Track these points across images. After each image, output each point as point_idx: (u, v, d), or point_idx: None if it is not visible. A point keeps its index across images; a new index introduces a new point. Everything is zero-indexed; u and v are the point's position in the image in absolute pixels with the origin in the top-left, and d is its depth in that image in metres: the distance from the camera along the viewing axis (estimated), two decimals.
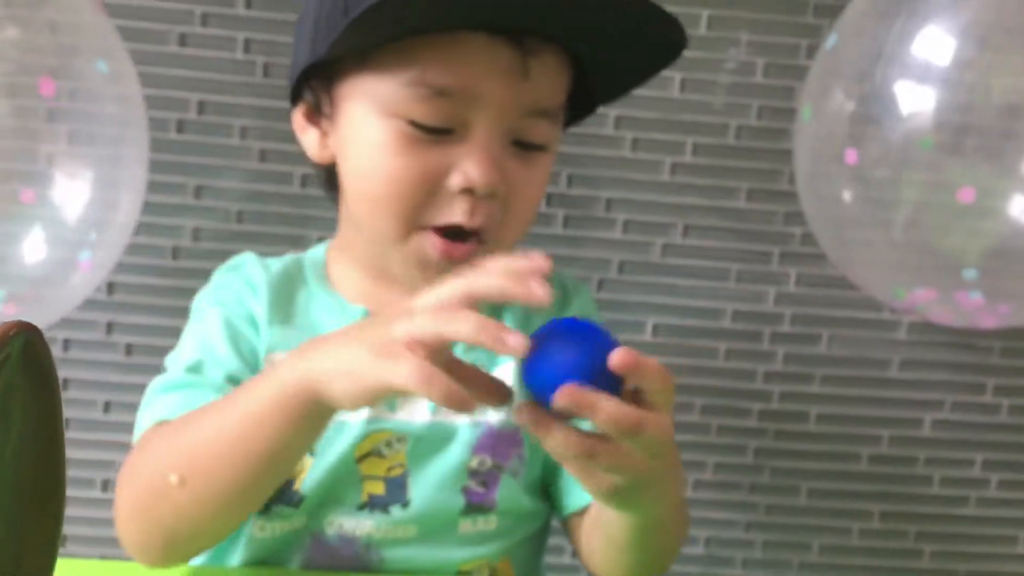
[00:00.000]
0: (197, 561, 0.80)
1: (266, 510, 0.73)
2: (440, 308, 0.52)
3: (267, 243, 1.19)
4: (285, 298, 0.78)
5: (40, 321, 1.01)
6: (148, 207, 1.11)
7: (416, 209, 0.69)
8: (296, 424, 0.58)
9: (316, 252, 0.84)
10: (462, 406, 0.49)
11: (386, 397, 0.54)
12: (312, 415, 0.57)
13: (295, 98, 0.78)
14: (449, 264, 0.70)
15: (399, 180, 0.69)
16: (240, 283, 0.79)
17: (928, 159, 0.88)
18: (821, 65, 0.95)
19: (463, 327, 0.50)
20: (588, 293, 0.85)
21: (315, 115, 0.76)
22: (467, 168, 0.67)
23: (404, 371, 0.49)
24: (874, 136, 0.90)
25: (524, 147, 0.71)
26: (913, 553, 1.33)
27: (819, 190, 0.96)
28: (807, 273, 1.25)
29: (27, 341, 0.32)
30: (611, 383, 0.50)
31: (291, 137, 1.17)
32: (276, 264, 0.81)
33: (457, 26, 0.66)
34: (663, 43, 0.71)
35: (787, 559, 1.32)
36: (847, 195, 0.92)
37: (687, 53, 0.74)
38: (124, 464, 0.67)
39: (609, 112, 1.21)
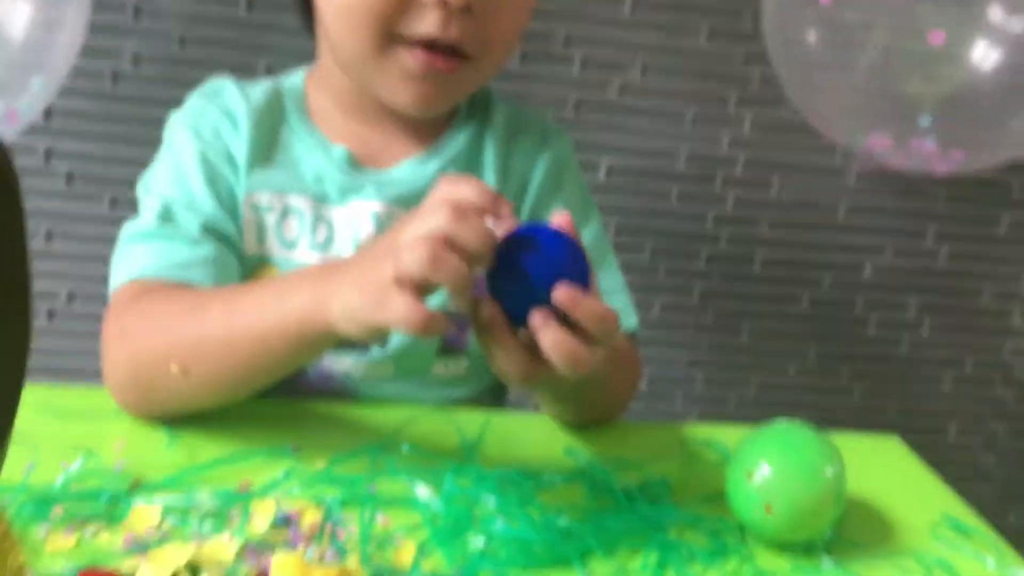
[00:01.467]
0: None
1: None
2: (423, 246, 0.51)
3: (211, 70, 1.15)
4: (267, 135, 0.76)
5: None
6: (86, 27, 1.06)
7: (389, 20, 0.68)
8: (300, 347, 0.60)
9: (294, 82, 0.80)
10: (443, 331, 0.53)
11: (387, 332, 0.55)
12: (317, 342, 0.60)
13: None
14: (432, 77, 0.70)
15: None
16: (218, 114, 0.76)
17: (900, 2, 0.87)
18: None
19: (445, 277, 0.51)
20: (568, 140, 0.84)
21: None
22: None
23: (396, 315, 0.52)
24: None
25: None
26: (845, 391, 1.39)
27: (786, 30, 0.95)
28: (763, 117, 1.25)
29: None
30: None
31: None
32: (256, 94, 0.77)
33: None
34: None
35: (725, 395, 1.38)
36: (814, 36, 0.91)
37: None
38: (109, 320, 0.67)
39: None
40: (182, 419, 0.66)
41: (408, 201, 0.75)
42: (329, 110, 0.77)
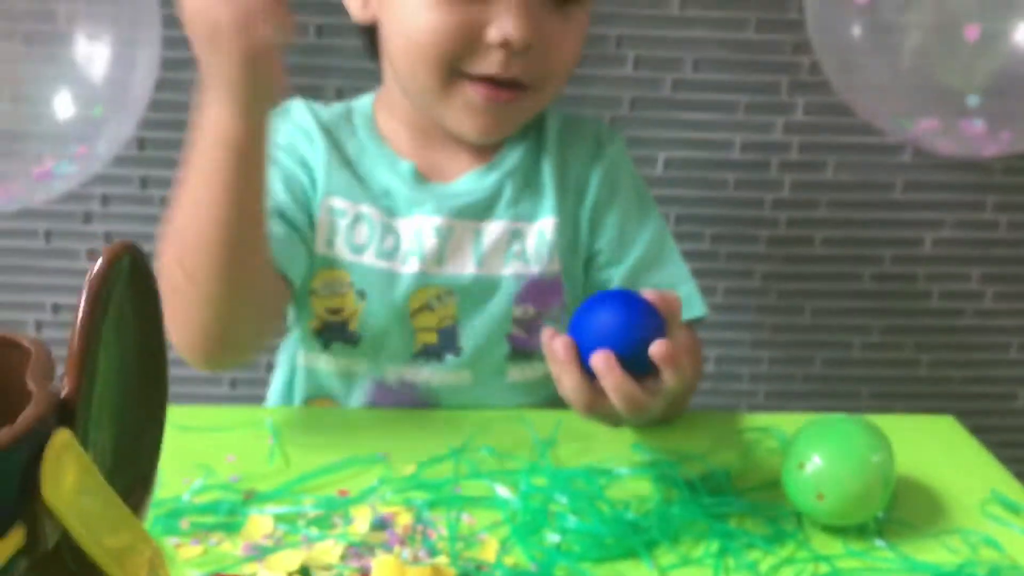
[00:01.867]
0: (273, 400, 0.89)
1: (326, 347, 0.81)
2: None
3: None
4: (340, 147, 0.81)
5: (77, 177, 1.07)
6: (167, 63, 1.13)
7: (455, 60, 0.73)
8: (238, 155, 0.64)
9: (363, 103, 0.86)
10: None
11: (260, 62, 0.63)
12: (241, 139, 0.64)
13: None
14: (495, 108, 0.75)
15: (438, 32, 0.72)
16: (291, 127, 0.82)
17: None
18: None
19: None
20: (622, 144, 0.88)
21: None
22: (504, 23, 0.71)
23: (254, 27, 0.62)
24: None
25: (560, 2, 0.74)
26: (911, 363, 1.42)
27: (827, 26, 0.98)
28: (814, 101, 1.27)
29: (132, 259, 0.37)
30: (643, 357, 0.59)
31: None
32: (326, 113, 0.83)
33: None
34: None
35: (792, 373, 1.41)
36: (855, 29, 0.94)
37: None
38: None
39: None
40: (284, 432, 0.73)
41: (467, 213, 0.80)
42: (396, 129, 0.82)
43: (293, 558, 0.59)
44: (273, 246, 0.73)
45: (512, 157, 0.83)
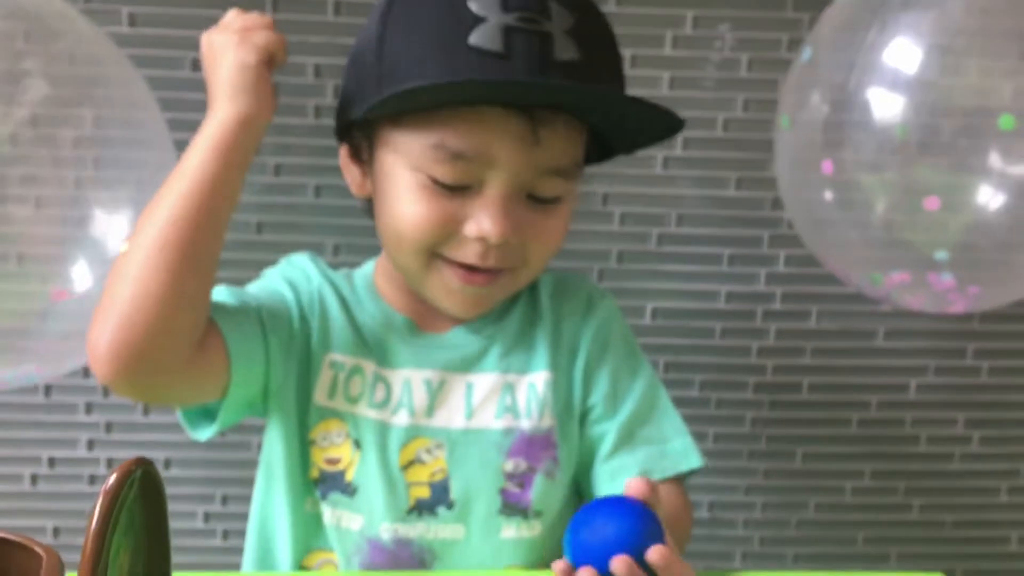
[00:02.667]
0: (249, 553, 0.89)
1: (324, 497, 0.82)
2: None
3: (287, 251, 1.26)
4: (340, 302, 0.86)
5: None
6: None
7: (435, 247, 0.78)
8: (221, 158, 0.75)
9: (365, 268, 0.91)
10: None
11: (250, 72, 0.76)
12: (226, 142, 0.75)
13: (341, 137, 0.85)
14: (473, 290, 0.79)
15: (420, 225, 0.77)
16: (301, 274, 0.87)
17: (899, 163, 0.95)
18: (797, 77, 1.01)
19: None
20: (612, 302, 0.91)
21: (356, 157, 0.84)
22: (481, 220, 0.75)
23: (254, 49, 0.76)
24: (849, 143, 0.97)
25: (539, 200, 0.78)
26: (903, 507, 1.42)
27: (799, 194, 1.03)
28: (795, 254, 1.32)
29: (144, 472, 0.40)
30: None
31: (303, 151, 1.25)
32: (330, 272, 0.89)
33: (473, 103, 0.74)
34: (661, 126, 0.79)
35: (785, 518, 1.41)
36: (825, 199, 0.99)
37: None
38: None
39: None
40: None
41: (458, 365, 0.83)
42: (393, 290, 0.87)
43: None
44: (230, 316, 0.79)
45: (505, 312, 0.86)
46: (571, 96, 0.74)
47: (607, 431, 0.85)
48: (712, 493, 1.40)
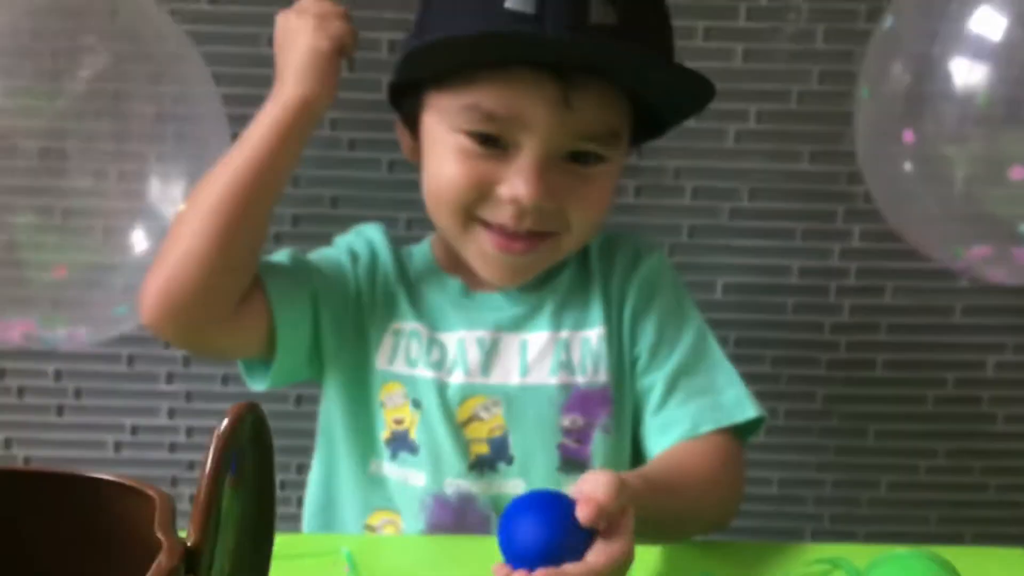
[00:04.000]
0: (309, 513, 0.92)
1: (394, 457, 0.84)
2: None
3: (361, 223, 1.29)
4: (404, 269, 0.89)
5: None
6: None
7: (470, 208, 0.80)
8: (279, 136, 0.78)
9: (424, 244, 0.94)
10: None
11: (319, 58, 0.79)
12: (291, 121, 0.78)
13: (394, 103, 0.88)
14: (509, 258, 0.80)
15: (456, 184, 0.79)
16: (364, 244, 0.91)
17: (982, 135, 0.93)
18: (878, 46, 1.00)
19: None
20: (660, 255, 0.91)
21: (407, 123, 0.86)
22: (514, 182, 0.76)
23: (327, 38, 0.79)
24: (931, 113, 0.95)
25: (580, 161, 0.78)
26: (979, 486, 1.40)
27: (879, 164, 1.01)
28: (870, 229, 1.30)
29: (254, 418, 0.41)
30: (580, 536, 0.60)
31: (377, 126, 1.27)
32: (393, 244, 0.92)
33: (501, 61, 0.75)
34: (695, 93, 0.79)
35: (857, 496, 1.40)
36: (905, 169, 0.98)
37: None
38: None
39: None
40: (360, 560, 0.75)
41: (511, 325, 0.85)
42: (445, 254, 0.89)
43: None
44: (280, 282, 0.82)
45: (555, 275, 0.87)
46: (596, 56, 0.74)
47: (655, 382, 0.85)
48: (782, 470, 1.39)
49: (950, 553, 0.66)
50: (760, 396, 1.38)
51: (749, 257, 1.32)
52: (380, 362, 0.85)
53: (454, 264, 0.88)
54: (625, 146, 0.82)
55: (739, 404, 0.84)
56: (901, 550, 0.67)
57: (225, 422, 0.40)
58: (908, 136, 0.94)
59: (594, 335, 0.85)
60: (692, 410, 0.83)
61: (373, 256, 0.89)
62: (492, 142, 0.77)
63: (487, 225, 0.80)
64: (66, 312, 1.01)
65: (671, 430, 0.83)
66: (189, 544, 0.37)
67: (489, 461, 0.84)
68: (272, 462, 0.43)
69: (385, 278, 0.87)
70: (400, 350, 0.85)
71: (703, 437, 0.82)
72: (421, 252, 0.92)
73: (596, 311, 0.86)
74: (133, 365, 1.34)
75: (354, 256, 0.88)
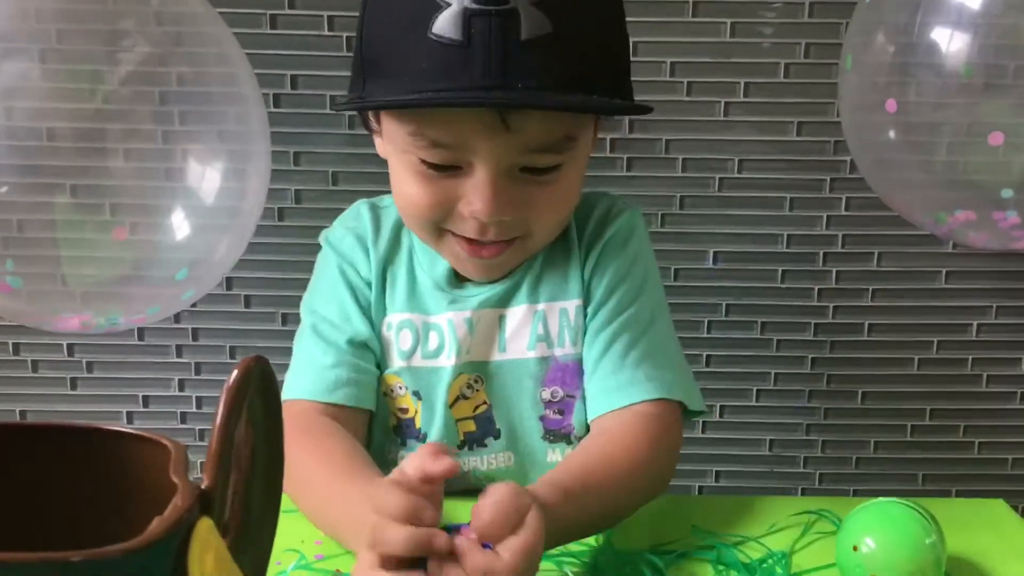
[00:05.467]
0: None
1: (405, 443, 0.87)
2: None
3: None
4: (391, 259, 0.87)
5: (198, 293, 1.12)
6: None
7: (437, 223, 0.79)
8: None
9: None
10: None
11: None
12: None
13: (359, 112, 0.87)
14: (481, 260, 0.80)
15: (418, 204, 0.78)
16: (353, 240, 0.87)
17: (963, 102, 0.96)
18: (861, 16, 1.03)
19: None
20: (632, 216, 0.87)
21: (372, 126, 0.84)
22: (472, 199, 0.75)
23: None
24: (913, 83, 0.98)
25: (535, 172, 0.76)
26: (964, 446, 1.44)
27: (862, 134, 1.04)
28: (858, 197, 1.33)
29: (261, 369, 0.44)
30: None
31: None
32: (388, 220, 0.88)
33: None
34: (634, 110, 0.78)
35: (846, 456, 1.44)
36: (888, 138, 1.01)
37: None
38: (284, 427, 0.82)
39: (664, 59, 1.29)
40: None
41: (492, 303, 0.84)
42: None
43: None
44: (349, 391, 0.81)
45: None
46: (526, 105, 0.72)
47: (594, 343, 0.83)
48: (773, 431, 1.44)
49: (934, 505, 0.68)
50: (751, 361, 1.42)
51: (739, 226, 1.35)
52: (383, 356, 0.86)
53: None
54: (589, 138, 0.81)
55: (680, 386, 0.83)
56: (881, 499, 0.69)
57: (235, 373, 0.43)
58: (891, 106, 0.97)
59: (571, 306, 0.85)
60: (628, 377, 0.81)
61: (366, 262, 0.87)
62: (446, 165, 0.76)
63: (455, 234, 0.79)
64: (114, 306, 1.03)
65: (605, 398, 0.82)
66: (203, 487, 0.39)
67: (477, 438, 0.85)
68: (280, 411, 0.46)
69: (381, 278, 0.86)
70: (392, 343, 0.86)
71: (636, 408, 0.80)
72: None
73: (574, 283, 0.85)
74: (144, 339, 1.37)
75: (348, 282, 0.86)
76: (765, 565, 0.73)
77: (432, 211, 0.77)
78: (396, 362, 0.85)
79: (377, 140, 0.84)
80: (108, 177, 1.03)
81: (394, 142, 0.77)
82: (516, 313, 0.85)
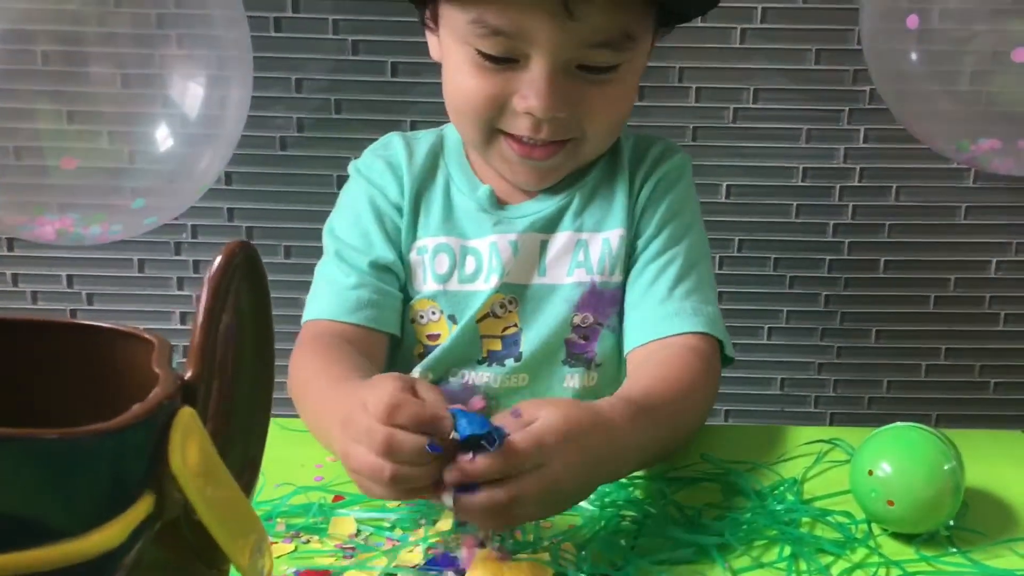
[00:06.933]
0: None
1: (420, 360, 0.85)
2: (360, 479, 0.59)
3: (365, 130, 1.28)
4: (425, 184, 0.86)
5: (171, 211, 1.12)
6: (255, 101, 1.20)
7: (490, 120, 0.78)
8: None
9: (458, 143, 0.90)
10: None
11: None
12: None
13: (418, 6, 0.85)
14: (531, 162, 0.79)
15: (472, 99, 0.78)
16: (383, 166, 0.87)
17: (987, 15, 0.92)
18: None
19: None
20: (682, 159, 0.88)
21: (430, 24, 0.84)
22: (527, 95, 0.75)
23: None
24: (936, 3, 0.94)
25: (592, 70, 0.76)
26: (978, 385, 1.42)
27: (882, 50, 1.00)
28: (876, 129, 1.29)
29: (247, 255, 0.42)
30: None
31: (380, 28, 1.26)
32: (420, 147, 0.88)
33: None
34: None
35: (858, 396, 1.42)
36: (910, 55, 0.97)
37: None
38: (296, 347, 0.80)
39: None
40: None
41: (535, 227, 0.84)
42: (478, 156, 0.86)
43: (378, 559, 0.62)
44: (369, 313, 0.81)
45: (584, 172, 0.86)
46: None
47: (642, 273, 0.84)
48: (784, 370, 1.41)
49: (952, 436, 0.66)
50: (763, 298, 1.40)
51: (754, 159, 1.32)
52: (415, 283, 0.85)
53: (485, 167, 0.87)
54: (647, 43, 0.80)
55: (721, 327, 0.83)
56: (899, 423, 0.67)
57: (218, 259, 0.41)
58: (912, 21, 0.93)
59: (615, 236, 0.84)
60: (675, 308, 0.82)
61: (396, 179, 0.86)
62: (503, 58, 0.76)
63: (508, 134, 0.79)
64: (83, 202, 1.02)
65: (653, 326, 0.82)
66: (186, 378, 0.37)
67: (499, 357, 0.85)
68: (268, 297, 0.44)
69: (412, 204, 0.85)
70: (427, 267, 0.85)
71: (681, 340, 0.80)
72: (453, 145, 0.89)
73: (618, 212, 0.85)
74: (144, 270, 1.35)
75: (375, 209, 0.86)
76: (776, 492, 0.71)
77: (487, 106, 0.77)
78: (430, 285, 0.84)
79: (431, 41, 0.85)
80: (89, 83, 1.03)
81: (454, 32, 0.77)
82: (559, 239, 0.85)
